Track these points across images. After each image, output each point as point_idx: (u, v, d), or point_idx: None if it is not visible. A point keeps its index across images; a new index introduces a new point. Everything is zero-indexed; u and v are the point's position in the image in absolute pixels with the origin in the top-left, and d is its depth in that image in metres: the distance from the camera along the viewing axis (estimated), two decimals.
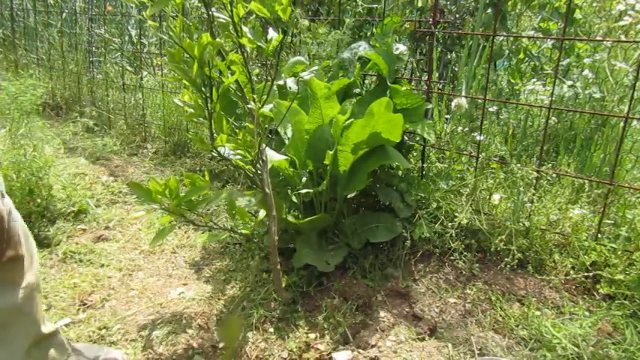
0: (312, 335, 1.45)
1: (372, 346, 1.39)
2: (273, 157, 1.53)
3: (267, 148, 1.57)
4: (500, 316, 1.47)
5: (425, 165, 1.90)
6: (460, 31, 2.35)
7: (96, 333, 1.46)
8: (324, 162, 1.55)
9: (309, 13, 3.20)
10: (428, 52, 2.00)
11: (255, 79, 1.86)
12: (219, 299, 1.65)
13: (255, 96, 1.28)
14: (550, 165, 1.78)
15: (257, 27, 1.30)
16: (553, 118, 2.21)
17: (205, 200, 1.37)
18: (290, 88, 1.81)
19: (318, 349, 1.40)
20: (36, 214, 2.02)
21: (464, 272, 1.63)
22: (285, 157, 1.59)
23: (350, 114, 1.54)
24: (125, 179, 2.64)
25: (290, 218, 1.60)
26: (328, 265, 1.59)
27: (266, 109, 1.75)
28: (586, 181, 1.82)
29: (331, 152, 1.52)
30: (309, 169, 1.66)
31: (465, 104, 1.83)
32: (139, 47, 3.76)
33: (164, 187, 1.29)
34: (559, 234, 1.66)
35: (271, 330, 1.50)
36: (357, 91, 1.86)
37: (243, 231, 1.67)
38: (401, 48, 1.79)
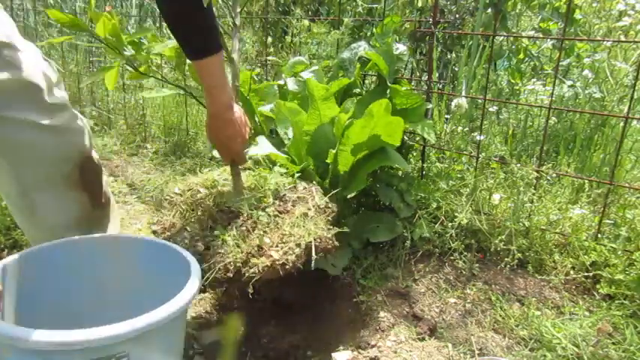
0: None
1: (372, 346, 1.39)
2: (270, 149, 1.53)
3: (264, 139, 1.57)
4: (500, 316, 1.47)
5: (425, 165, 1.90)
6: (460, 31, 2.35)
7: None
8: (326, 161, 1.55)
9: (309, 13, 3.21)
10: (428, 52, 2.00)
11: (255, 78, 1.86)
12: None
13: None
14: (550, 165, 1.78)
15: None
16: (553, 118, 2.21)
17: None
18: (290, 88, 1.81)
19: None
20: None
21: (464, 272, 1.63)
22: (278, 152, 1.59)
23: (351, 114, 1.54)
24: (125, 179, 2.64)
25: None
26: (335, 267, 1.59)
27: (266, 109, 1.76)
28: (586, 181, 1.82)
29: (333, 151, 1.52)
30: (309, 169, 1.66)
31: (465, 104, 1.83)
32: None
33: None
34: (559, 234, 1.66)
35: None
36: (357, 91, 1.86)
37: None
38: (401, 48, 1.79)
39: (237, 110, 1.27)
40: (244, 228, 1.23)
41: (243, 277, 1.13)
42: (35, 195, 1.25)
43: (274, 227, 1.23)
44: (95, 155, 1.39)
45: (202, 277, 1.06)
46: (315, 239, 1.19)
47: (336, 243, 1.26)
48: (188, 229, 1.28)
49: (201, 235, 1.25)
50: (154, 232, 1.33)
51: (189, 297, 0.90)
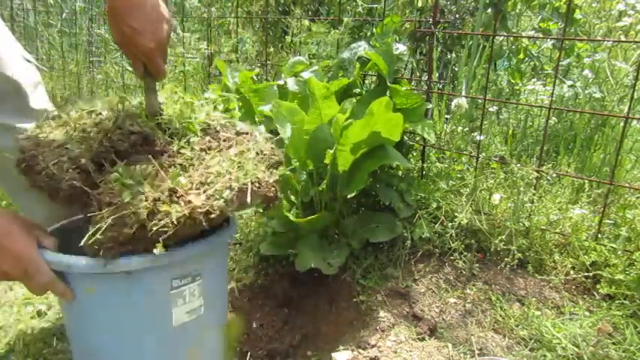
0: None
1: (372, 346, 1.39)
2: None
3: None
4: (500, 316, 1.47)
5: (425, 165, 1.90)
6: (460, 31, 2.35)
7: None
8: (324, 161, 1.55)
9: (309, 13, 3.21)
10: (428, 52, 2.00)
11: (255, 78, 1.86)
12: None
13: None
14: (550, 165, 1.78)
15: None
16: (553, 118, 2.21)
17: None
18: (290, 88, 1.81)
19: None
20: None
21: (464, 272, 1.63)
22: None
23: (350, 114, 1.54)
24: None
25: (291, 217, 1.60)
26: (330, 266, 1.59)
27: (266, 109, 1.76)
28: (586, 181, 1.82)
29: (331, 151, 1.52)
30: (308, 169, 1.66)
31: (465, 104, 1.83)
32: None
33: None
34: (559, 234, 1.66)
35: None
36: (357, 91, 1.86)
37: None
38: (401, 48, 1.79)
39: None
40: (153, 163, 0.89)
41: (148, 234, 0.80)
42: (20, 197, 1.26)
43: (198, 164, 0.91)
44: None
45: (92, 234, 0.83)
46: (252, 182, 0.89)
47: (280, 195, 0.97)
48: (70, 147, 0.91)
49: (88, 165, 0.90)
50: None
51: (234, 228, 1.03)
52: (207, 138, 0.99)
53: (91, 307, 0.90)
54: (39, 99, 1.15)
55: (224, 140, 1.00)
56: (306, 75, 1.81)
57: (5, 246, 0.84)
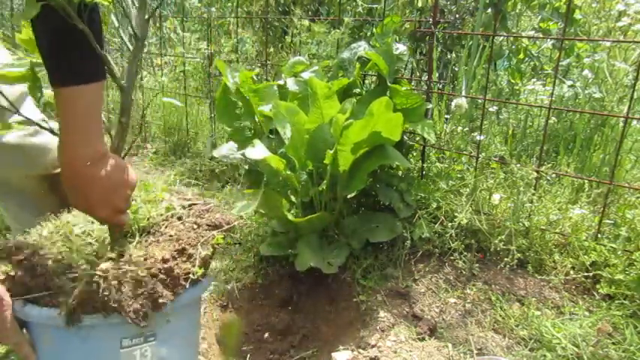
0: None
1: (372, 346, 1.39)
2: (265, 153, 1.53)
3: (259, 142, 1.57)
4: (500, 316, 1.47)
5: (425, 165, 1.90)
6: (460, 31, 2.35)
7: None
8: (324, 162, 1.55)
9: (309, 13, 3.21)
10: (428, 52, 2.00)
11: (255, 78, 1.86)
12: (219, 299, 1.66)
13: None
14: (550, 165, 1.78)
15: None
16: (553, 118, 2.21)
17: None
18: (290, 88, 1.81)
19: None
20: None
21: (464, 272, 1.63)
22: (275, 154, 1.59)
23: (350, 114, 1.54)
24: None
25: (290, 217, 1.60)
26: (330, 266, 1.59)
27: (266, 109, 1.76)
28: (586, 181, 1.82)
29: (331, 152, 1.52)
30: (308, 169, 1.66)
31: (465, 104, 1.83)
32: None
33: None
34: (559, 234, 1.66)
35: None
36: (357, 91, 1.86)
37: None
38: (401, 48, 1.79)
39: (108, 167, 0.88)
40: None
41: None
42: (7, 202, 1.29)
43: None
44: None
45: None
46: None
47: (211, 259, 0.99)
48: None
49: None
50: None
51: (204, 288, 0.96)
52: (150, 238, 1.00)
53: (49, 357, 0.89)
54: (26, 109, 1.11)
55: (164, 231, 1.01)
56: (306, 75, 1.81)
57: None
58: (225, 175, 2.61)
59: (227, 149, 1.76)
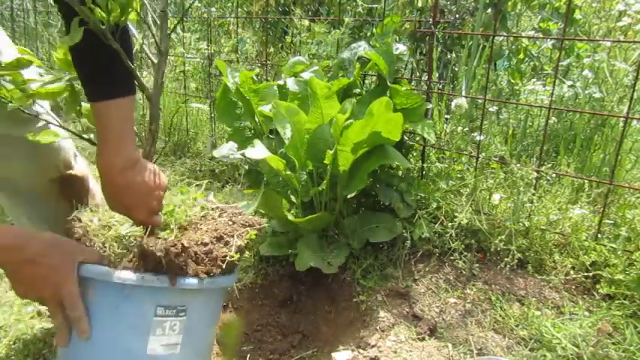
0: None
1: (372, 346, 1.39)
2: (265, 153, 1.53)
3: (259, 142, 1.57)
4: (500, 316, 1.47)
5: (425, 165, 1.90)
6: (460, 31, 2.35)
7: None
8: (324, 162, 1.55)
9: (309, 13, 3.21)
10: (428, 52, 2.00)
11: (255, 78, 1.86)
12: None
13: None
14: (550, 165, 1.78)
15: None
16: (553, 118, 2.21)
17: None
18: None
19: None
20: None
21: (464, 272, 1.63)
22: (275, 155, 1.59)
23: (350, 114, 1.54)
24: None
25: (290, 217, 1.60)
26: (330, 266, 1.59)
27: (266, 109, 1.76)
28: (586, 181, 1.82)
29: (331, 152, 1.52)
30: (308, 169, 1.66)
31: (465, 104, 1.83)
32: (139, 47, 3.76)
33: None
34: (559, 234, 1.66)
35: None
36: (357, 91, 1.86)
37: None
38: (401, 48, 1.79)
39: (142, 172, 0.98)
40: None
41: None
42: (15, 201, 1.29)
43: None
44: (79, 169, 1.37)
45: None
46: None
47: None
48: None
49: None
50: None
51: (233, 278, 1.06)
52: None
53: (91, 312, 0.94)
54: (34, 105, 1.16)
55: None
56: (306, 75, 1.81)
57: (50, 279, 0.88)
58: (225, 175, 2.62)
59: (227, 149, 1.76)
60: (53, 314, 0.91)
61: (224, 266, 0.98)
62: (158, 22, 1.03)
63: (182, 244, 0.95)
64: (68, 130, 1.14)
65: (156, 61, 1.05)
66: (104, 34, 0.87)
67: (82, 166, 1.40)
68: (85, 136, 1.10)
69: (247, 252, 1.05)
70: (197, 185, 1.23)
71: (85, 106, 1.15)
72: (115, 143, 0.95)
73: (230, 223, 1.07)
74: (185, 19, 3.35)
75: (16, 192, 1.30)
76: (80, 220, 1.05)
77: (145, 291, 0.92)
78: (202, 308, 1.01)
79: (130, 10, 0.91)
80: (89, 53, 0.91)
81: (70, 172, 1.34)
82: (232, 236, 1.03)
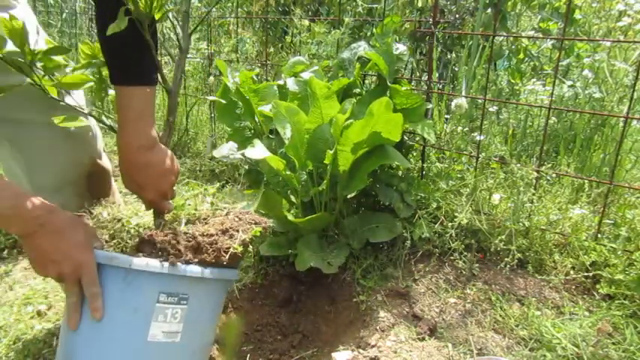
0: None
1: (372, 346, 1.39)
2: (265, 153, 1.53)
3: (259, 142, 1.57)
4: (500, 316, 1.47)
5: (425, 165, 1.90)
6: (460, 31, 2.35)
7: None
8: (324, 162, 1.55)
9: (309, 13, 3.21)
10: (428, 52, 2.00)
11: (255, 78, 1.86)
12: None
13: None
14: (550, 165, 1.78)
15: None
16: (553, 118, 2.21)
17: None
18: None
19: None
20: None
21: (464, 272, 1.63)
22: (275, 155, 1.59)
23: (350, 114, 1.54)
24: None
25: (290, 217, 1.60)
26: (331, 266, 1.59)
27: (266, 109, 1.76)
28: (586, 181, 1.82)
29: (331, 152, 1.52)
30: (308, 169, 1.66)
31: (465, 104, 1.83)
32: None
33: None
34: (559, 234, 1.66)
35: None
36: (357, 91, 1.86)
37: None
38: (401, 48, 1.79)
39: (159, 154, 1.04)
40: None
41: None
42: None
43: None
44: (104, 161, 1.41)
45: None
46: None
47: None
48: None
49: None
50: None
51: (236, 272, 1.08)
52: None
53: None
54: (73, 94, 1.21)
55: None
56: (306, 75, 1.81)
57: (72, 254, 0.91)
58: (225, 175, 2.62)
59: (227, 149, 1.76)
60: (70, 292, 0.93)
61: (227, 257, 1.00)
62: (180, 22, 1.10)
63: (190, 234, 0.98)
64: (90, 115, 1.22)
65: (176, 58, 1.13)
66: (142, 25, 0.93)
67: (107, 162, 1.45)
68: (106, 121, 1.18)
69: (250, 248, 1.08)
70: (213, 184, 1.27)
71: (112, 93, 1.22)
72: (135, 123, 1.00)
73: (237, 219, 1.10)
74: None
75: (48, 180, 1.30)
76: (91, 213, 1.09)
77: (149, 277, 0.94)
78: (204, 299, 1.02)
79: (166, 7, 0.99)
80: (121, 41, 0.94)
81: (100, 162, 1.38)
82: (237, 230, 1.05)
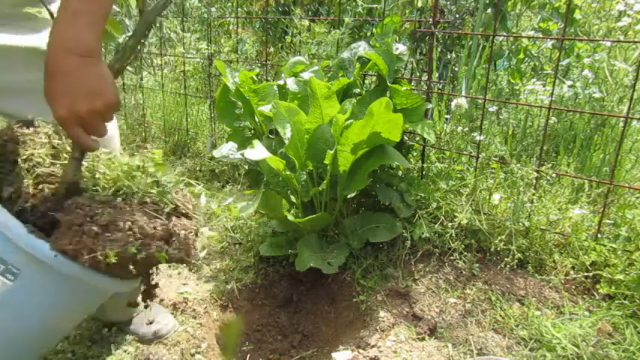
0: None
1: (372, 346, 1.39)
2: (265, 154, 1.53)
3: (258, 143, 1.57)
4: (500, 316, 1.47)
5: (425, 165, 1.90)
6: (460, 31, 2.35)
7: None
8: (324, 162, 1.55)
9: (309, 13, 3.21)
10: (428, 52, 2.00)
11: (255, 78, 1.86)
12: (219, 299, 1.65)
13: None
14: (550, 165, 1.78)
15: None
16: (553, 118, 2.21)
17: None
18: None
19: None
20: None
21: (464, 272, 1.63)
22: (275, 155, 1.59)
23: (350, 114, 1.54)
24: None
25: (290, 217, 1.60)
26: (331, 266, 1.59)
27: (266, 109, 1.76)
28: (586, 181, 1.82)
29: (331, 152, 1.52)
30: (308, 169, 1.66)
31: (465, 104, 1.83)
32: (139, 47, 3.76)
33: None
34: (559, 234, 1.66)
35: None
36: (357, 91, 1.86)
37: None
38: (401, 48, 1.79)
39: (89, 67, 0.87)
40: None
41: None
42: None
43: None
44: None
45: None
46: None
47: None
48: None
49: None
50: None
51: None
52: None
53: None
54: None
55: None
56: (306, 75, 1.81)
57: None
58: (225, 175, 2.62)
59: (227, 149, 1.76)
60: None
61: (88, 259, 0.82)
62: None
63: (98, 215, 0.83)
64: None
65: None
66: None
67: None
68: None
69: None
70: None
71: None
72: (68, 23, 0.86)
73: (162, 222, 0.91)
74: (185, 19, 3.34)
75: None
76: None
77: None
78: (39, 286, 0.87)
79: None
80: None
81: None
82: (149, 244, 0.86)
